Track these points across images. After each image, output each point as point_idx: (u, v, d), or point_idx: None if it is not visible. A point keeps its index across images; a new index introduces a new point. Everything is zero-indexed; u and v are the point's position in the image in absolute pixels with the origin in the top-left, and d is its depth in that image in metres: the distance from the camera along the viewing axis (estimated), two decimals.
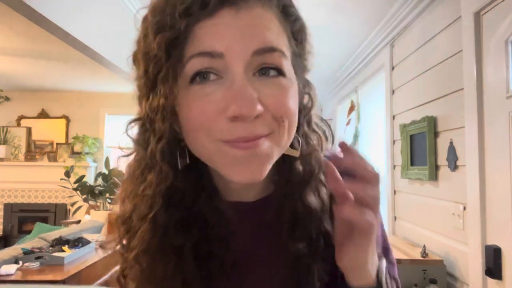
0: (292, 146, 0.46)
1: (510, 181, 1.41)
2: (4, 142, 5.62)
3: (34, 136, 5.80)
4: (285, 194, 0.48)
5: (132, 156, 0.49)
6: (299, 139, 0.47)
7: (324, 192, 0.49)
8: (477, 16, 1.61)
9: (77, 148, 5.73)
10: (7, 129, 5.68)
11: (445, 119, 1.92)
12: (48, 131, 5.83)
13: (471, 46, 1.63)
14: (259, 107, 0.38)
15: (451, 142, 1.83)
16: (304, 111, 0.48)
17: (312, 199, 0.48)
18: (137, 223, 0.46)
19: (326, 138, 0.52)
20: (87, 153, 5.64)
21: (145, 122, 0.44)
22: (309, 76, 0.50)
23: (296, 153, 0.46)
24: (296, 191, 0.47)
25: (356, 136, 3.68)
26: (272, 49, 0.40)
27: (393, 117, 2.64)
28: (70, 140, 5.78)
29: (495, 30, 1.50)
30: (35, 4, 1.69)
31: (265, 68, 0.40)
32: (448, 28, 1.90)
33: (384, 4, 2.47)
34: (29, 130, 5.77)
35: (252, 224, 0.51)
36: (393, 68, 2.69)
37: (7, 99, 5.80)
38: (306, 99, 0.49)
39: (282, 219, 0.48)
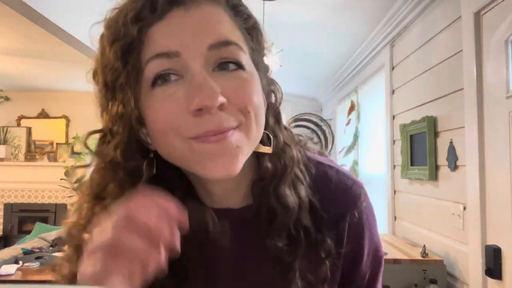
0: (263, 143, 0.46)
1: (510, 181, 1.41)
2: (4, 142, 5.62)
3: (34, 136, 5.80)
4: (260, 192, 0.48)
5: (91, 170, 0.48)
6: (270, 135, 0.47)
7: (302, 188, 0.49)
8: (477, 16, 1.61)
9: (77, 148, 5.73)
10: (7, 129, 5.68)
11: (445, 119, 1.92)
12: (48, 131, 5.83)
13: (471, 46, 1.63)
14: (221, 98, 0.38)
15: (451, 142, 1.83)
16: (271, 107, 0.48)
17: (288, 196, 0.47)
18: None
19: (294, 137, 0.52)
20: (87, 153, 5.64)
21: (106, 133, 0.45)
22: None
23: (268, 150, 0.46)
24: (270, 187, 0.47)
25: (356, 136, 3.68)
26: (227, 43, 0.40)
27: (393, 117, 2.64)
28: (70, 140, 5.78)
29: (495, 30, 1.50)
30: (35, 4, 1.69)
31: (224, 63, 0.41)
32: (448, 28, 1.90)
33: (384, 4, 2.47)
34: (29, 130, 5.77)
35: (238, 230, 0.50)
36: (393, 68, 2.69)
37: (7, 99, 5.80)
38: (271, 96, 0.49)
39: (260, 218, 0.48)
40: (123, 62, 0.41)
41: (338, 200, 0.51)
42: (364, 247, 0.53)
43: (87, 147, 0.48)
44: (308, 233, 0.48)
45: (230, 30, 0.42)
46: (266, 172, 0.47)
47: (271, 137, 0.47)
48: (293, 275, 0.47)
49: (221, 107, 0.39)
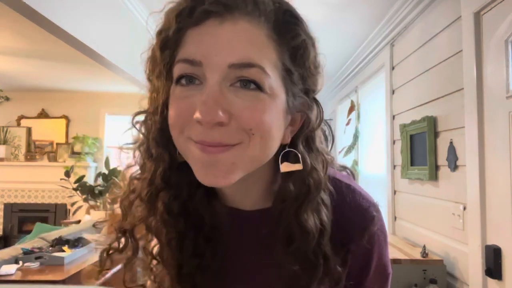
0: (293, 162, 0.47)
1: (510, 181, 1.41)
2: (4, 142, 5.62)
3: (34, 136, 5.80)
4: (280, 210, 0.48)
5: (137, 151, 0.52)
6: (298, 155, 0.47)
7: (324, 213, 0.48)
8: (477, 16, 1.61)
9: (77, 148, 5.73)
10: (7, 129, 5.67)
11: (445, 119, 1.92)
12: (48, 131, 5.83)
13: (471, 46, 1.63)
14: (221, 116, 0.40)
15: (451, 142, 1.83)
16: (302, 130, 0.49)
17: (309, 221, 0.47)
18: (137, 204, 0.50)
19: (329, 161, 0.52)
20: (87, 153, 5.64)
21: (147, 115, 0.50)
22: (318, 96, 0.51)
23: (298, 167, 0.47)
24: (291, 209, 0.47)
25: (356, 136, 3.68)
26: (250, 65, 0.41)
27: (393, 117, 2.64)
28: (70, 140, 5.78)
29: (495, 30, 1.50)
30: (35, 4, 1.69)
31: (245, 81, 0.41)
32: (448, 28, 1.90)
33: (384, 4, 2.47)
34: (29, 130, 5.77)
35: (246, 233, 0.53)
36: (393, 68, 2.69)
37: (7, 99, 5.80)
38: (301, 118, 0.49)
39: (276, 235, 0.48)
40: (161, 54, 0.44)
41: (351, 222, 0.51)
42: (371, 267, 0.54)
43: (133, 125, 0.52)
44: (327, 259, 0.48)
45: (259, 51, 0.41)
46: (288, 195, 0.47)
47: (300, 156, 0.47)
48: None
49: (221, 123, 0.41)
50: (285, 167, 0.47)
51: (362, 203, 0.52)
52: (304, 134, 0.49)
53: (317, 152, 0.50)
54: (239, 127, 0.41)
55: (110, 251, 0.52)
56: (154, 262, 0.52)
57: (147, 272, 0.52)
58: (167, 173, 0.48)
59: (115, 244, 0.51)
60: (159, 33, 0.45)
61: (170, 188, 0.49)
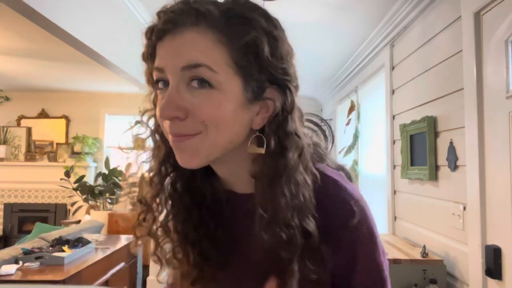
0: (258, 145, 0.53)
1: (510, 181, 1.41)
2: (4, 142, 5.62)
3: (34, 136, 5.80)
4: (258, 189, 0.54)
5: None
6: (264, 139, 0.53)
7: (303, 192, 0.52)
8: (477, 16, 1.61)
9: (77, 148, 5.73)
10: (7, 129, 5.68)
11: (445, 119, 1.92)
12: (48, 131, 5.83)
13: (471, 46, 1.63)
14: (176, 112, 0.49)
15: (451, 142, 1.83)
16: (271, 115, 0.54)
17: (282, 197, 0.51)
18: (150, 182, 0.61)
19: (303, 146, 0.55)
20: (87, 153, 5.64)
21: (151, 112, 0.60)
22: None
23: (260, 151, 0.52)
24: (265, 189, 0.53)
25: (356, 136, 3.68)
26: (196, 65, 0.49)
27: (393, 117, 2.64)
28: (70, 140, 5.78)
29: (495, 30, 1.50)
30: (35, 4, 1.69)
31: (199, 80, 0.50)
32: (448, 28, 1.90)
33: (384, 4, 2.47)
34: (29, 130, 5.77)
35: (239, 212, 0.60)
36: (393, 68, 2.69)
37: (7, 99, 5.80)
38: (266, 109, 0.54)
39: (256, 212, 0.53)
40: (147, 64, 0.56)
41: (329, 213, 0.54)
42: (357, 266, 0.54)
43: (142, 121, 0.61)
44: (308, 236, 0.51)
45: (204, 53, 0.49)
46: (258, 175, 0.53)
47: (265, 140, 0.53)
48: (290, 274, 0.51)
49: (178, 118, 0.50)
50: (251, 149, 0.53)
51: (345, 197, 0.54)
52: (274, 119, 0.53)
53: (291, 136, 0.53)
54: (195, 120, 0.50)
55: (138, 222, 0.61)
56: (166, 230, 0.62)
57: (166, 241, 0.62)
58: (170, 158, 0.58)
59: (141, 216, 0.61)
60: (144, 47, 0.55)
61: (174, 169, 0.59)
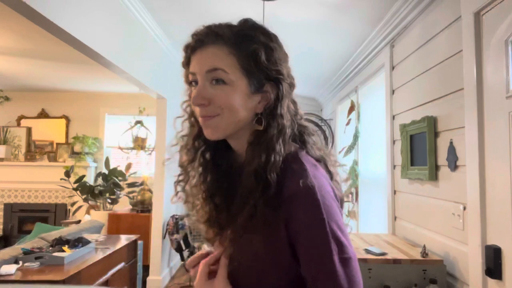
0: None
1: (510, 181, 1.41)
2: (4, 142, 5.62)
3: (34, 136, 5.80)
4: (248, 150, 0.74)
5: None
6: (263, 120, 0.73)
7: (276, 157, 0.70)
8: (477, 16, 1.61)
9: (77, 148, 5.73)
10: (7, 129, 5.68)
11: (445, 119, 1.92)
12: (48, 131, 5.83)
13: (471, 46, 1.63)
14: (202, 100, 0.72)
15: (451, 142, 1.83)
16: (266, 106, 0.75)
17: (259, 156, 0.70)
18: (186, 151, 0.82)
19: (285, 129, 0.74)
20: (87, 153, 5.64)
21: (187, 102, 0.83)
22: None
23: (259, 127, 0.73)
24: (252, 149, 0.73)
25: (356, 136, 3.68)
26: (215, 69, 0.72)
27: (393, 117, 2.64)
28: (70, 140, 5.78)
29: (495, 30, 1.50)
30: (35, 4, 1.69)
31: (217, 79, 0.72)
32: (448, 28, 1.90)
33: (384, 4, 2.47)
34: (29, 130, 5.77)
35: (240, 175, 0.76)
36: (393, 68, 2.69)
37: (7, 99, 5.80)
38: (265, 98, 0.75)
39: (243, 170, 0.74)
40: (185, 69, 0.78)
41: (284, 180, 0.70)
42: (299, 233, 0.66)
43: (182, 108, 0.84)
44: (267, 185, 0.68)
45: (220, 60, 0.72)
46: (250, 141, 0.75)
47: (264, 121, 0.74)
48: (248, 212, 0.68)
49: (204, 105, 0.72)
50: (254, 126, 0.75)
51: (300, 172, 0.69)
52: (269, 106, 0.75)
53: (278, 117, 0.73)
54: (215, 106, 0.72)
55: (177, 180, 0.83)
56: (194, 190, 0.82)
57: (193, 197, 0.82)
58: (201, 134, 0.77)
59: (180, 177, 0.82)
60: (183, 58, 0.78)
61: (204, 143, 0.80)
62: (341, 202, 0.76)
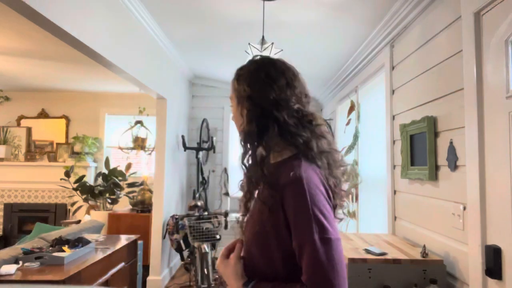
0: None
1: (510, 181, 1.41)
2: (4, 142, 5.62)
3: (34, 136, 5.80)
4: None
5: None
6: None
7: (274, 156, 0.97)
8: (477, 16, 1.61)
9: (77, 148, 5.73)
10: (7, 129, 5.68)
11: (445, 119, 1.92)
12: (48, 131, 5.83)
13: (471, 46, 1.63)
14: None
15: (451, 142, 1.83)
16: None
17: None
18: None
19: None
20: (87, 153, 5.64)
21: None
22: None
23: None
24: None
25: (356, 136, 3.68)
26: (230, 96, 1.03)
27: (393, 117, 2.64)
28: (70, 140, 5.78)
29: (495, 30, 1.50)
30: (35, 5, 1.69)
31: (232, 101, 1.02)
32: (448, 28, 1.90)
33: (384, 4, 2.47)
34: (29, 130, 5.77)
35: None
36: (393, 68, 2.69)
37: (7, 99, 5.80)
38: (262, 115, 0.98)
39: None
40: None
41: (281, 172, 0.89)
42: (289, 209, 0.83)
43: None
44: (263, 168, 0.92)
45: (233, 89, 1.01)
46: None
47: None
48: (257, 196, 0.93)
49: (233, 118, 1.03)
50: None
51: (294, 169, 0.85)
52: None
53: (275, 136, 0.97)
54: (235, 117, 1.02)
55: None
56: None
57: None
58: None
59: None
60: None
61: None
62: (336, 196, 0.93)
